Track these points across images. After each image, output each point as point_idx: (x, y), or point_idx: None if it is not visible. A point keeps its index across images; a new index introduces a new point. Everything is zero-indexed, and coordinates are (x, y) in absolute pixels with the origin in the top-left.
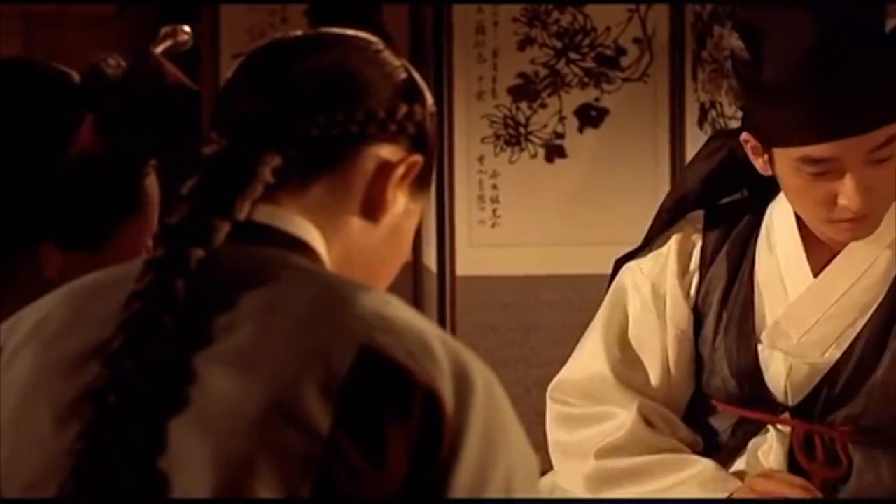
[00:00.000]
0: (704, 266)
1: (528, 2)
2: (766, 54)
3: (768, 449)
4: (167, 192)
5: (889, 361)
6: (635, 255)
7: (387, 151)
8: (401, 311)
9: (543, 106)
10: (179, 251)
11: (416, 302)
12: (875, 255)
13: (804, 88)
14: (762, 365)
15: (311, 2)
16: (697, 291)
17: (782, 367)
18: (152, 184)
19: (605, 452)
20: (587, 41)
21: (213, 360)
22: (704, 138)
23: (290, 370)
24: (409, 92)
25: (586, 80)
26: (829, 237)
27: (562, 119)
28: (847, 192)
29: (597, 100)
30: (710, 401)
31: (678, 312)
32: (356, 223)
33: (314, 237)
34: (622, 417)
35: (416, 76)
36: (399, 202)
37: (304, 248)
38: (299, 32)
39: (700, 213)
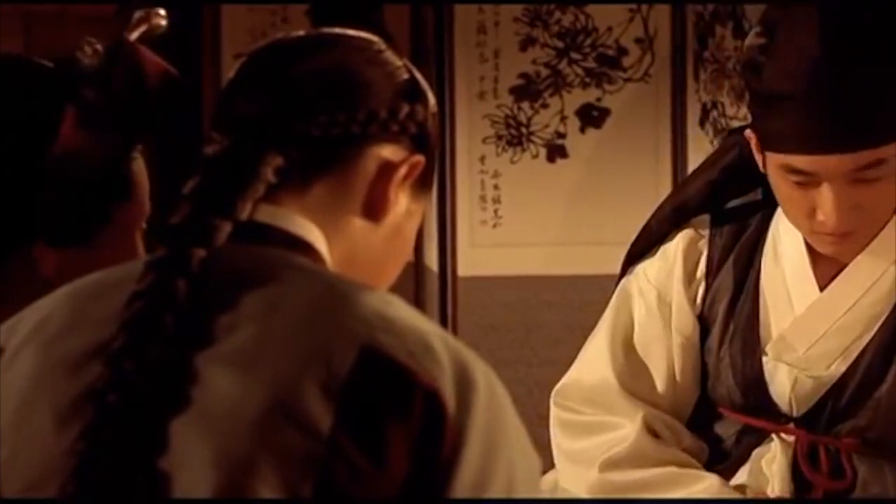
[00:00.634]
0: (711, 274)
1: (530, 2)
2: (770, 58)
3: (772, 458)
4: (156, 174)
5: (894, 378)
6: (642, 258)
7: (389, 152)
8: (402, 311)
9: (545, 106)
10: (181, 251)
11: (418, 302)
12: (882, 269)
13: (796, 99)
14: (767, 377)
15: (313, 2)
16: (703, 300)
17: (787, 380)
18: (140, 168)
19: (608, 465)
20: (589, 41)
21: (214, 361)
22: (706, 138)
23: (292, 370)
24: (411, 92)
25: (588, 80)
26: (822, 250)
27: (563, 119)
28: (825, 208)
29: (598, 100)
30: (715, 407)
31: (683, 320)
32: (358, 223)
33: (316, 237)
34: (626, 429)
35: (418, 76)
36: (401, 202)
37: (305, 248)
38: (301, 32)
39: (706, 218)
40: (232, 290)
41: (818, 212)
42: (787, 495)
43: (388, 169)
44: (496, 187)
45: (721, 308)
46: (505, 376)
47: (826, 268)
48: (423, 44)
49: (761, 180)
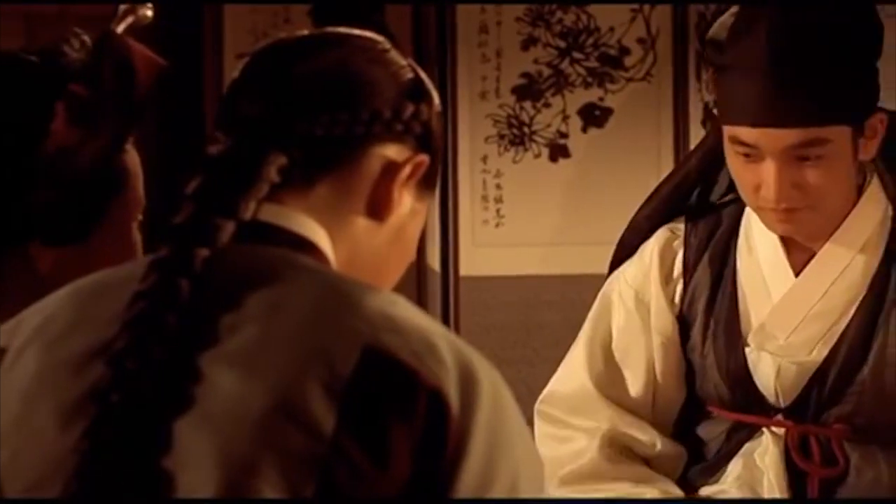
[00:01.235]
0: (688, 272)
1: (532, 1)
2: (731, 34)
3: (764, 451)
4: (165, 181)
5: (876, 357)
6: (621, 264)
7: (392, 151)
8: (406, 310)
9: (547, 105)
10: (184, 251)
11: (420, 302)
12: (853, 253)
13: (745, 72)
14: (751, 367)
15: (315, 2)
16: (682, 299)
17: (771, 369)
18: (132, 158)
19: (566, 481)
20: (591, 41)
21: (217, 360)
22: None
23: (295, 370)
24: (415, 91)
25: (590, 79)
26: (771, 228)
27: (565, 119)
28: (766, 182)
29: (600, 99)
30: (704, 406)
31: (662, 320)
32: (362, 223)
33: (320, 237)
34: (583, 444)
35: (423, 76)
36: (405, 202)
37: (309, 247)
38: (304, 32)
39: (681, 220)
40: (235, 290)
41: (762, 186)
42: (782, 486)
43: (391, 168)
44: (498, 187)
45: (700, 305)
46: (507, 376)
47: (799, 255)
48: (425, 43)
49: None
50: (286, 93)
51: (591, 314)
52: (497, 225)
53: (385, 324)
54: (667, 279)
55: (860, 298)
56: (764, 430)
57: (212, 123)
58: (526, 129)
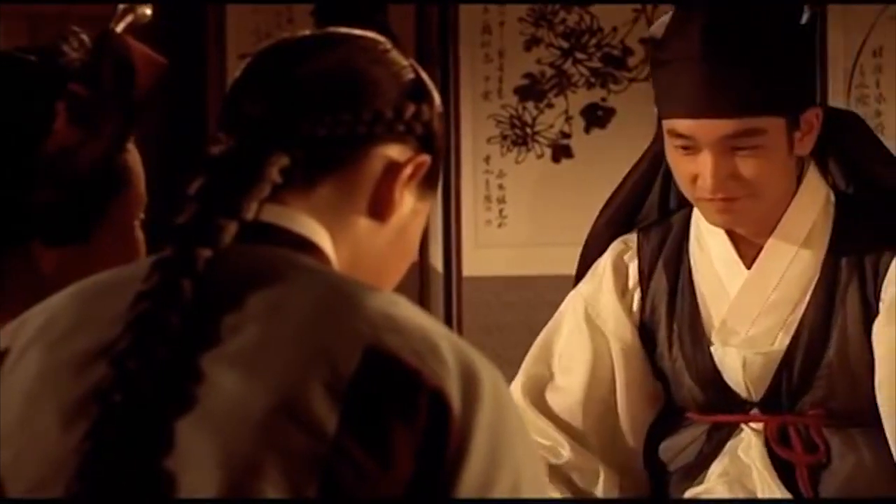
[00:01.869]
0: (644, 282)
1: (535, 2)
2: (670, 28)
3: (747, 446)
4: (167, 181)
5: (838, 339)
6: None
7: (394, 151)
8: (408, 311)
9: (550, 106)
10: (186, 251)
11: (423, 302)
12: (800, 240)
13: (680, 63)
14: (718, 365)
15: (317, 2)
16: (642, 308)
17: (737, 363)
18: (134, 157)
19: None
20: (594, 41)
21: (219, 361)
22: None
23: (297, 370)
24: (417, 92)
25: (593, 80)
26: (711, 220)
27: (568, 119)
28: (702, 172)
29: (603, 100)
30: (683, 413)
31: (621, 329)
32: (364, 223)
33: (322, 237)
34: None
35: (424, 76)
36: (406, 202)
37: (311, 248)
38: (306, 32)
39: (634, 231)
40: (237, 291)
41: (699, 177)
42: (772, 475)
43: (393, 169)
44: (501, 187)
45: (662, 312)
46: (509, 376)
47: (748, 249)
48: (427, 44)
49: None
50: (288, 93)
51: (542, 332)
52: (500, 225)
53: (386, 324)
54: (622, 291)
55: (814, 284)
56: (743, 426)
57: (214, 123)
58: (528, 130)
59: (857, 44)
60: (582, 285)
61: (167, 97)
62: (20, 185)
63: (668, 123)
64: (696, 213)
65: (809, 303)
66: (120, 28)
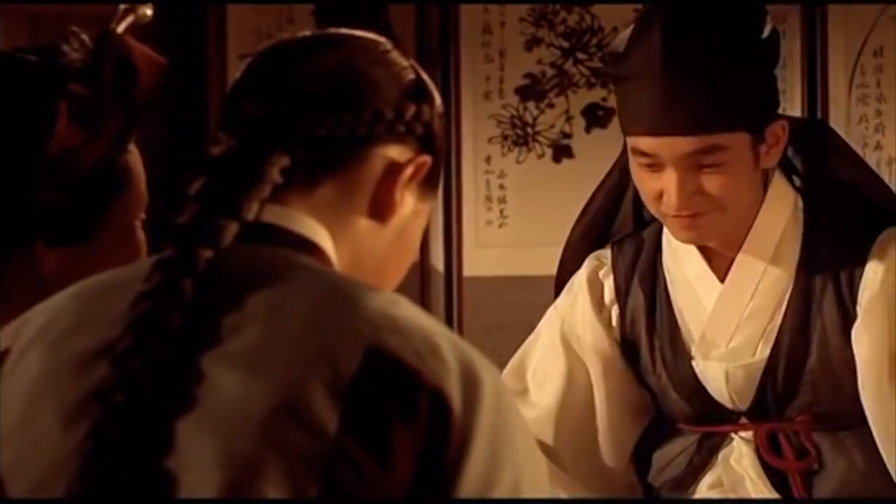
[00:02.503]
0: (621, 297)
1: (536, 1)
2: (629, 45)
3: (739, 456)
4: (167, 181)
5: (819, 344)
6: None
7: (395, 152)
8: (409, 311)
9: (551, 106)
10: (187, 252)
11: (423, 302)
12: (771, 248)
13: (640, 81)
14: (701, 378)
15: (318, 2)
16: (621, 322)
17: (720, 376)
18: (135, 158)
19: None
20: (594, 41)
21: (220, 361)
22: None
23: (297, 371)
24: (417, 92)
25: (593, 79)
26: (677, 236)
27: (569, 119)
28: (667, 189)
29: (604, 99)
30: (674, 424)
31: (600, 341)
32: (364, 224)
33: (322, 237)
34: None
35: (425, 76)
36: (407, 203)
37: (312, 248)
38: (307, 33)
39: (607, 247)
40: (238, 291)
41: (664, 194)
42: (764, 485)
43: (394, 169)
44: (502, 187)
45: (642, 327)
46: None
47: (720, 261)
48: (428, 44)
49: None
50: (289, 93)
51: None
52: (500, 225)
53: (387, 324)
54: (599, 306)
55: (789, 291)
56: (733, 435)
57: (215, 123)
58: (529, 130)
59: (857, 44)
60: (559, 302)
61: (168, 97)
62: (22, 186)
63: (631, 141)
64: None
65: (787, 311)
66: (121, 28)
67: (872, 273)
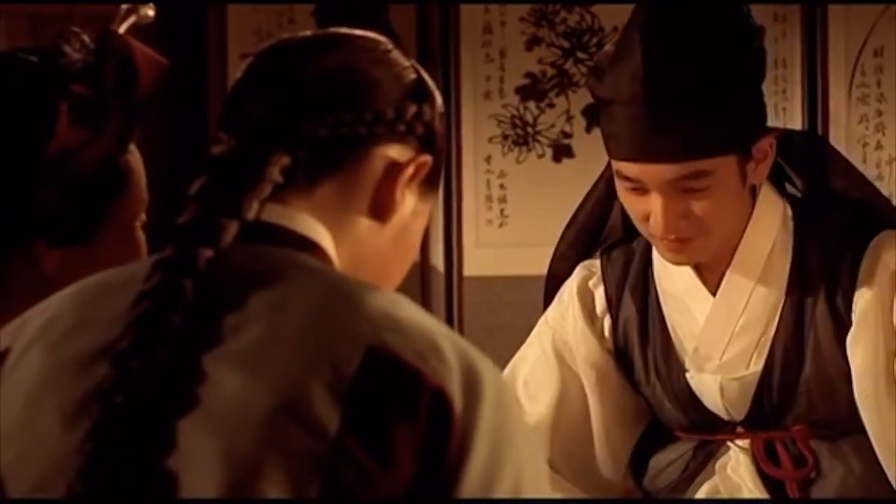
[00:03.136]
0: (612, 308)
1: (536, 1)
2: (611, 66)
3: (736, 464)
4: (168, 181)
5: (813, 354)
6: (553, 294)
7: (395, 152)
8: (410, 310)
9: (551, 106)
10: (188, 251)
11: (424, 302)
12: (762, 260)
13: (622, 107)
14: (695, 391)
15: (318, 2)
16: (614, 333)
17: (714, 389)
18: (135, 159)
19: None
20: (595, 41)
21: (221, 361)
22: None
23: (298, 370)
24: (418, 92)
25: None
26: (664, 257)
27: (569, 119)
28: (654, 213)
29: None
30: (671, 432)
31: (594, 351)
32: (365, 223)
33: (323, 237)
34: None
35: (426, 76)
36: (408, 203)
37: (312, 247)
38: (308, 33)
39: (597, 255)
40: (239, 290)
41: (651, 217)
42: (760, 493)
43: (394, 169)
44: (502, 187)
45: (634, 339)
46: None
47: (712, 274)
48: (428, 44)
49: None
50: (290, 93)
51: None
52: (501, 225)
53: (388, 324)
54: (591, 316)
55: (782, 302)
56: (730, 444)
57: (215, 123)
58: (530, 130)
59: (858, 43)
60: (549, 313)
61: (168, 97)
62: (22, 186)
63: (615, 164)
64: None
65: (780, 322)
66: (122, 29)
67: (866, 279)
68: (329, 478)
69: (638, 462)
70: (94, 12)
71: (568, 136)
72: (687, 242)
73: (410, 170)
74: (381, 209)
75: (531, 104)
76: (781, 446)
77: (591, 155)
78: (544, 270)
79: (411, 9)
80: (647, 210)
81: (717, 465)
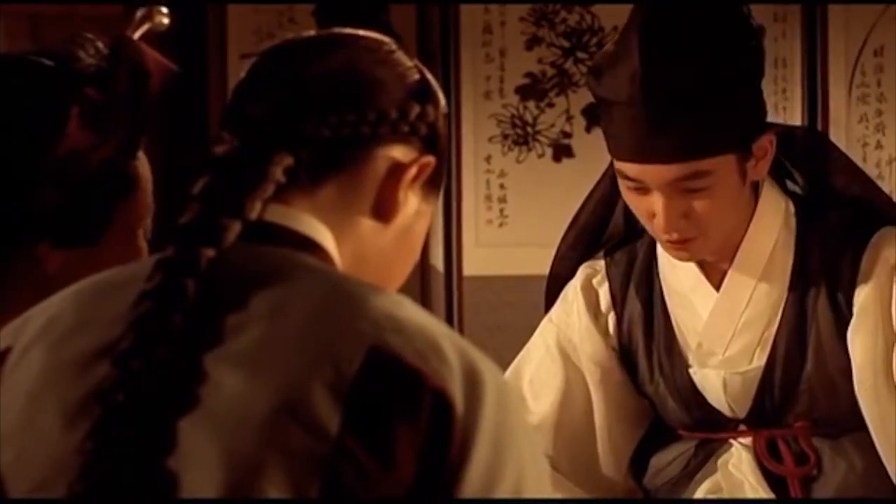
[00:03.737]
0: (617, 305)
1: (536, 1)
2: (609, 66)
3: (738, 461)
4: (169, 181)
5: (814, 350)
6: (555, 295)
7: (398, 152)
8: (411, 311)
9: (551, 105)
10: (190, 251)
11: (424, 302)
12: (765, 256)
13: (622, 108)
14: (699, 387)
15: (319, 2)
16: (618, 330)
17: (717, 384)
18: (143, 164)
19: None
20: (595, 40)
21: (222, 361)
22: None
23: (300, 371)
24: (422, 92)
25: None
26: (670, 255)
27: (569, 118)
28: (656, 212)
29: None
30: (674, 431)
31: (598, 350)
32: (367, 224)
33: (325, 237)
34: None
35: (429, 77)
36: (410, 203)
37: (314, 248)
38: (311, 33)
39: (600, 256)
40: (240, 290)
41: (655, 216)
42: (763, 489)
43: (397, 169)
44: (502, 187)
45: (639, 337)
46: None
47: (715, 270)
48: (428, 44)
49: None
50: (293, 94)
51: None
52: (500, 225)
53: (389, 324)
54: (595, 314)
55: (784, 298)
56: (732, 441)
57: (216, 123)
58: (529, 129)
59: (858, 43)
60: (553, 312)
61: (168, 97)
62: (29, 187)
63: (616, 164)
64: None
65: (782, 318)
66: (137, 35)
67: (866, 274)
68: (330, 478)
69: (639, 461)
70: (94, 12)
71: (568, 135)
72: (690, 241)
73: (413, 170)
74: (383, 210)
75: (531, 104)
76: (783, 444)
77: (591, 155)
78: (544, 270)
79: (411, 9)
80: (651, 209)
81: (719, 462)
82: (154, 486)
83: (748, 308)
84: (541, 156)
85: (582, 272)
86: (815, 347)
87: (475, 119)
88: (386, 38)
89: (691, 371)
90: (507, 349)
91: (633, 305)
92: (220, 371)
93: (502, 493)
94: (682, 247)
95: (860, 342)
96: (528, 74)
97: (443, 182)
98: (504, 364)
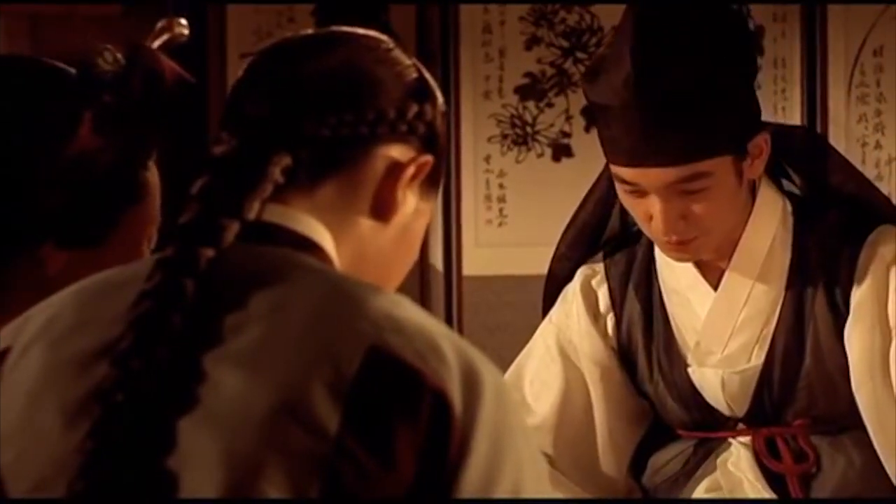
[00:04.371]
0: (616, 306)
1: (535, 1)
2: (603, 69)
3: (737, 459)
4: (168, 181)
5: (812, 348)
6: (552, 297)
7: (397, 151)
8: (410, 311)
9: (550, 105)
10: (189, 251)
11: (423, 302)
12: (762, 255)
13: (616, 112)
14: (697, 386)
15: (318, 2)
16: (617, 331)
17: (716, 383)
18: (153, 174)
19: None
20: (594, 40)
21: (221, 360)
22: None
23: (299, 370)
24: (420, 91)
25: None
26: (668, 256)
27: (569, 118)
28: (655, 216)
29: None
30: (673, 430)
31: (598, 350)
32: (366, 223)
33: (324, 237)
34: None
35: (427, 76)
36: (409, 202)
37: (313, 248)
38: (310, 32)
39: (599, 256)
40: (240, 290)
41: (653, 218)
42: (762, 487)
43: (396, 169)
44: (501, 186)
45: (638, 337)
46: None
47: (713, 269)
48: (428, 43)
49: None
50: (292, 93)
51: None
52: (500, 225)
53: (389, 324)
54: (595, 315)
55: (782, 296)
56: (731, 440)
57: (215, 123)
58: (529, 129)
59: (857, 43)
60: (553, 313)
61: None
62: (35, 187)
63: (613, 168)
64: None
65: (780, 316)
66: (156, 45)
67: (863, 272)
68: (329, 478)
69: (638, 461)
70: (94, 12)
71: (567, 135)
72: (689, 242)
73: (412, 170)
74: (382, 209)
75: (530, 104)
76: (782, 442)
77: (590, 154)
78: (544, 270)
79: (411, 9)
80: (649, 211)
81: (718, 461)
82: (154, 486)
83: (746, 307)
84: (540, 156)
85: (581, 273)
86: (813, 345)
87: (474, 119)
88: (384, 37)
89: (690, 370)
90: (506, 349)
91: (633, 306)
92: (220, 371)
93: (501, 492)
94: (680, 248)
95: (857, 340)
96: (528, 74)
97: (441, 181)
98: (504, 364)
